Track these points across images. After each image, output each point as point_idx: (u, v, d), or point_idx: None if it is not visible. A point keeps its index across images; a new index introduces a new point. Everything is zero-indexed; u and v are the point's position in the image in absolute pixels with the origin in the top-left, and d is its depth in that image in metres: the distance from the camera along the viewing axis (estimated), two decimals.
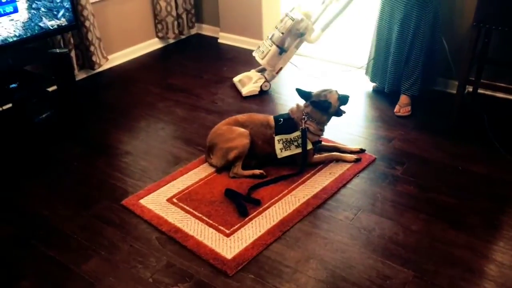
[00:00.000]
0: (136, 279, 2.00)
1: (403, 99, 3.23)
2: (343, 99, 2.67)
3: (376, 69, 3.39)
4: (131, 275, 2.02)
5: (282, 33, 3.34)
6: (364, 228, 2.24)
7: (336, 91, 2.65)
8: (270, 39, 3.41)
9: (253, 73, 3.59)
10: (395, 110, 3.21)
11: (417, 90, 3.19)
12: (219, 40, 4.51)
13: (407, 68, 3.16)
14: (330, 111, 2.63)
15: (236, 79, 3.65)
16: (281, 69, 3.52)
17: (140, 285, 1.97)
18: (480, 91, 3.38)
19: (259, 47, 3.51)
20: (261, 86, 3.50)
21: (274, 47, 3.38)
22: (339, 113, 2.67)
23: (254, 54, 3.55)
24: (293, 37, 3.38)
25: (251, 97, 3.49)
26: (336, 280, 1.97)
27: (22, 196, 2.52)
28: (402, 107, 3.21)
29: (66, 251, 2.16)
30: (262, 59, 3.44)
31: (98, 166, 2.74)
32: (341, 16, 3.40)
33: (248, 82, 3.55)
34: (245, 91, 3.51)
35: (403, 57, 3.14)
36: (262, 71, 3.59)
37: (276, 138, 2.59)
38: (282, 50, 3.39)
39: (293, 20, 3.29)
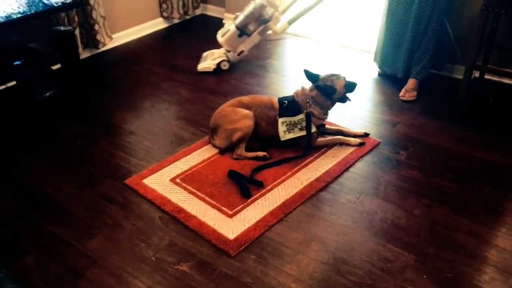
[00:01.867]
0: (139, 257, 2.02)
1: (411, 83, 3.20)
2: (350, 86, 2.64)
3: (386, 55, 3.34)
4: (134, 254, 2.04)
5: (245, 16, 3.35)
6: (367, 212, 2.25)
7: (344, 77, 2.62)
8: (234, 19, 3.42)
9: (218, 51, 3.58)
10: (400, 94, 3.19)
11: (426, 73, 3.18)
12: (223, 21, 4.46)
13: (418, 52, 3.13)
14: (335, 97, 2.61)
15: (204, 54, 3.63)
16: (242, 52, 3.50)
17: (143, 263, 1.99)
18: (486, 76, 3.35)
19: (224, 24, 3.51)
20: (218, 64, 3.50)
21: (233, 28, 3.40)
22: (343, 99, 2.65)
23: (219, 30, 3.54)
24: (257, 22, 3.38)
25: (255, 78, 3.47)
26: (337, 262, 1.98)
27: (26, 174, 2.53)
28: (408, 91, 3.18)
29: (70, 228, 2.18)
30: (221, 37, 3.46)
31: (102, 145, 2.75)
32: (310, 12, 3.40)
33: (208, 58, 3.55)
34: (200, 66, 3.53)
35: (417, 42, 3.11)
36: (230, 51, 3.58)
37: (280, 120, 2.58)
38: (242, 33, 3.40)
39: (255, 5, 3.31)
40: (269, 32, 3.51)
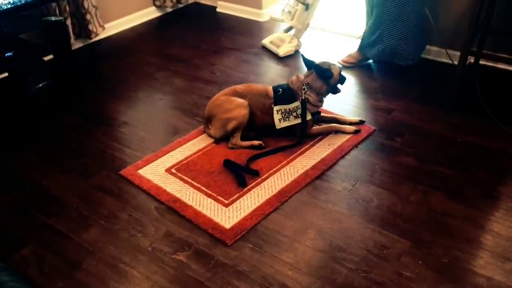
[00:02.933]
0: (135, 248, 2.02)
1: (355, 53, 3.41)
2: (342, 77, 2.66)
3: (367, 40, 3.35)
4: (131, 244, 2.04)
5: None
6: (362, 199, 2.25)
7: (339, 66, 2.64)
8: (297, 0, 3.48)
9: (282, 34, 3.66)
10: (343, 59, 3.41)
11: (410, 59, 3.22)
12: (217, 9, 4.42)
13: (396, 38, 3.16)
14: (331, 82, 2.60)
15: (266, 41, 3.68)
16: (308, 24, 3.62)
17: (140, 254, 1.99)
18: (481, 62, 3.34)
19: (284, 10, 3.56)
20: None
21: (300, 6, 3.48)
22: (335, 89, 2.66)
23: (280, 17, 3.59)
24: None
25: (249, 67, 3.45)
26: (333, 250, 1.99)
27: (20, 166, 2.52)
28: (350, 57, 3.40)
29: (66, 220, 2.17)
30: (292, 19, 3.52)
31: (96, 136, 2.73)
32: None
33: (281, 43, 3.58)
34: (282, 51, 3.54)
35: (394, 27, 3.14)
36: (288, 31, 3.67)
37: (275, 108, 2.57)
38: (307, 6, 3.48)
39: None
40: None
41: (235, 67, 3.47)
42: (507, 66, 3.28)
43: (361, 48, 3.39)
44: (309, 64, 2.62)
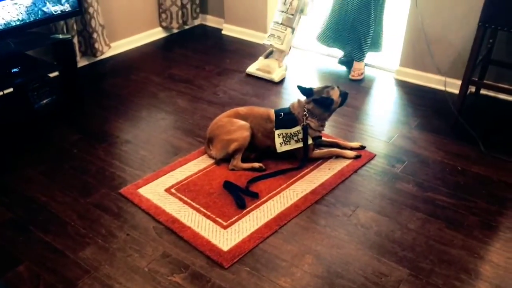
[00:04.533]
0: (132, 268, 2.01)
1: (355, 64, 3.65)
2: (344, 95, 2.66)
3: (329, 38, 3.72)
4: (127, 264, 2.03)
5: (292, 15, 3.49)
6: (361, 225, 2.24)
7: (338, 86, 2.64)
8: (281, 24, 3.54)
9: (267, 60, 3.69)
10: (350, 75, 3.63)
11: (364, 56, 3.62)
12: (223, 32, 4.49)
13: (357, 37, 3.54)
14: (333, 108, 2.62)
15: (252, 69, 3.69)
16: (291, 47, 3.70)
17: (136, 274, 1.98)
18: (482, 92, 3.37)
19: (273, 35, 3.61)
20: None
21: (289, 30, 3.54)
22: (341, 105, 2.68)
23: (268, 42, 3.62)
24: (298, 15, 3.55)
25: (252, 89, 3.48)
26: (331, 276, 1.97)
27: (20, 182, 2.52)
28: (355, 71, 3.62)
29: (63, 237, 2.16)
30: (282, 44, 3.57)
31: (98, 154, 2.74)
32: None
33: (272, 69, 3.62)
34: (276, 77, 3.60)
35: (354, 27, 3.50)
36: (268, 56, 3.71)
37: (277, 132, 2.58)
38: (293, 30, 3.57)
39: (299, 0, 3.46)
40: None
41: (238, 89, 3.51)
42: (507, 97, 3.30)
43: (362, 57, 3.63)
44: (307, 93, 2.61)
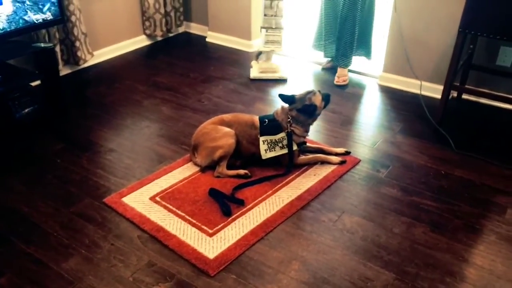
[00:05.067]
0: (116, 278, 1.98)
1: (340, 70, 3.70)
2: (327, 98, 2.66)
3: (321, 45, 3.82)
4: (112, 274, 2.00)
5: (281, 16, 3.58)
6: (347, 230, 2.25)
7: (319, 91, 2.64)
8: (276, 28, 3.62)
9: (264, 63, 3.79)
10: (335, 81, 3.67)
11: (349, 63, 3.69)
12: (207, 39, 4.49)
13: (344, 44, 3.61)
14: (317, 113, 2.63)
15: (255, 74, 3.75)
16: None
17: (121, 284, 1.95)
18: (464, 96, 3.42)
19: (270, 41, 3.69)
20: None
21: (282, 31, 3.64)
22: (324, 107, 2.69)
23: (268, 49, 3.71)
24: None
25: (237, 96, 3.48)
26: (318, 282, 1.97)
27: (1, 192, 2.47)
28: (340, 77, 3.67)
29: (45, 248, 2.13)
30: (280, 46, 3.71)
31: (81, 163, 2.71)
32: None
33: (276, 69, 3.76)
34: (286, 75, 3.75)
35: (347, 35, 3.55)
36: (258, 58, 3.80)
37: (261, 138, 2.58)
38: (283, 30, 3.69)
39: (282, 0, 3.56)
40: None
41: (223, 96, 3.50)
42: (488, 101, 3.36)
43: (348, 64, 3.70)
44: (289, 100, 2.60)
